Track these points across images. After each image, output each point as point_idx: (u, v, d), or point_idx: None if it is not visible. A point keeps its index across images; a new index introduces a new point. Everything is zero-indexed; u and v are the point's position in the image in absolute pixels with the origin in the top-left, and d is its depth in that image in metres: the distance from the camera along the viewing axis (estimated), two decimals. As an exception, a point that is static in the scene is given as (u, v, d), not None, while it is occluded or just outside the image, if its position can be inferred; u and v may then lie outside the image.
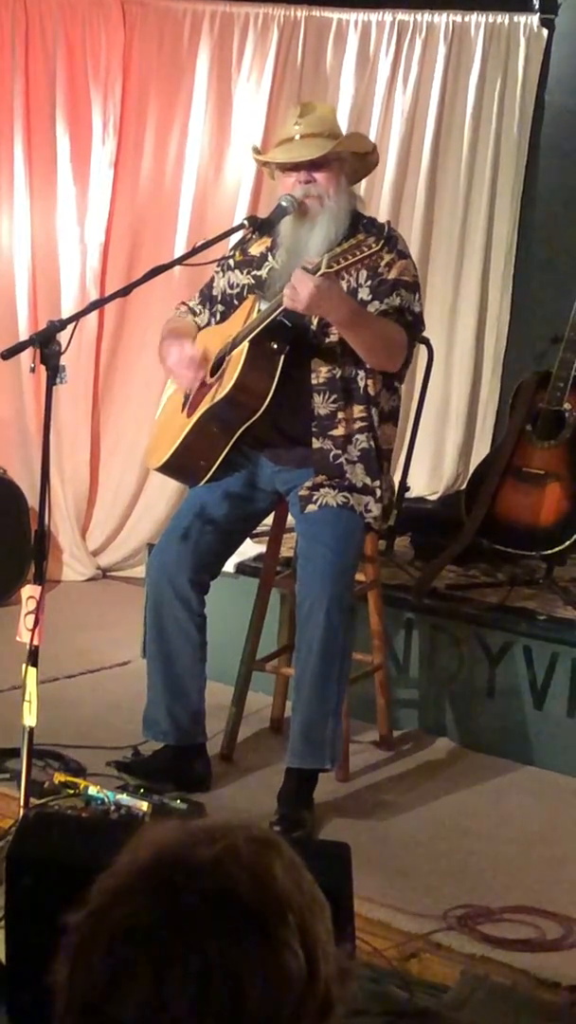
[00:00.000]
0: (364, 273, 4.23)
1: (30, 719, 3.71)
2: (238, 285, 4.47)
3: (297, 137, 4.27)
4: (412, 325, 4.28)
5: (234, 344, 4.29)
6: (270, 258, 4.40)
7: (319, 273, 3.94)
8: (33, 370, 3.79)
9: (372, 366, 4.25)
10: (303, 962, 1.27)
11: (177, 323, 4.59)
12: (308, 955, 1.28)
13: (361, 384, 4.27)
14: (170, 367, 4.43)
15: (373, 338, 4.17)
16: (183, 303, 4.66)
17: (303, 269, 3.99)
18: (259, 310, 4.29)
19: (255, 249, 4.46)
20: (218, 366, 4.35)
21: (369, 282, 4.24)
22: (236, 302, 4.46)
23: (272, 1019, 1.25)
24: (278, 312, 4.12)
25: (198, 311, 4.58)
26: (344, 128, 4.89)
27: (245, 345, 4.21)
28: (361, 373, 4.26)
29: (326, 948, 1.31)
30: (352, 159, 4.35)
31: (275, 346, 4.21)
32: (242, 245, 4.51)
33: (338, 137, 4.30)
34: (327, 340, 4.24)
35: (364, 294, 4.24)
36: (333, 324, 4.15)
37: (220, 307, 4.53)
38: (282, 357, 4.21)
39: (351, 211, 4.30)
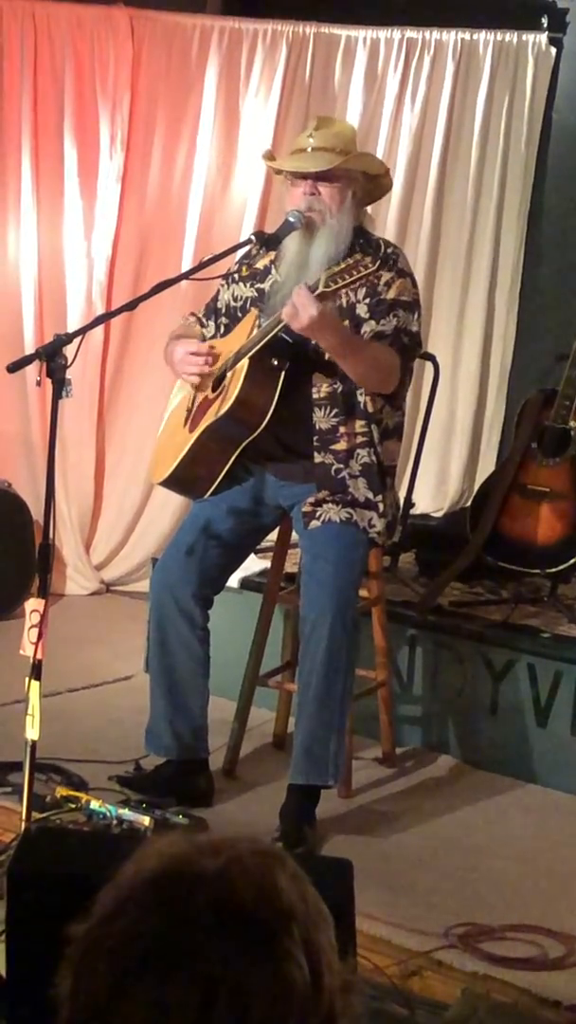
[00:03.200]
0: (363, 291, 4.22)
1: (33, 733, 3.71)
2: (242, 298, 4.48)
3: (309, 149, 4.28)
4: (407, 347, 4.27)
5: (235, 360, 4.29)
6: (273, 271, 4.40)
7: (317, 293, 3.94)
8: (39, 384, 3.81)
9: (364, 389, 4.24)
10: (307, 974, 1.26)
11: (184, 330, 4.60)
12: (312, 967, 1.27)
13: (361, 400, 4.27)
14: (176, 362, 4.44)
15: (365, 366, 4.17)
16: (192, 313, 4.67)
17: (304, 287, 3.98)
18: (259, 325, 4.29)
19: (260, 263, 4.46)
20: (219, 381, 4.35)
21: (367, 300, 4.24)
22: (240, 315, 4.47)
23: None
24: (278, 328, 4.12)
25: (205, 323, 4.60)
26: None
27: (246, 361, 4.21)
28: (360, 389, 4.26)
29: (330, 961, 1.30)
30: (364, 180, 4.34)
31: (275, 362, 4.21)
32: (248, 259, 4.51)
33: (349, 153, 4.30)
34: (327, 355, 4.24)
35: (362, 311, 4.24)
36: (325, 350, 4.13)
37: (224, 320, 4.54)
38: (282, 373, 4.21)
39: (353, 230, 4.29)
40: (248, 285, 4.48)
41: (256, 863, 1.30)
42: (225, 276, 4.55)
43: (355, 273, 3.98)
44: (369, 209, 4.49)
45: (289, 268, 4.30)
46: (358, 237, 4.32)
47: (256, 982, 1.24)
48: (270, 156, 4.50)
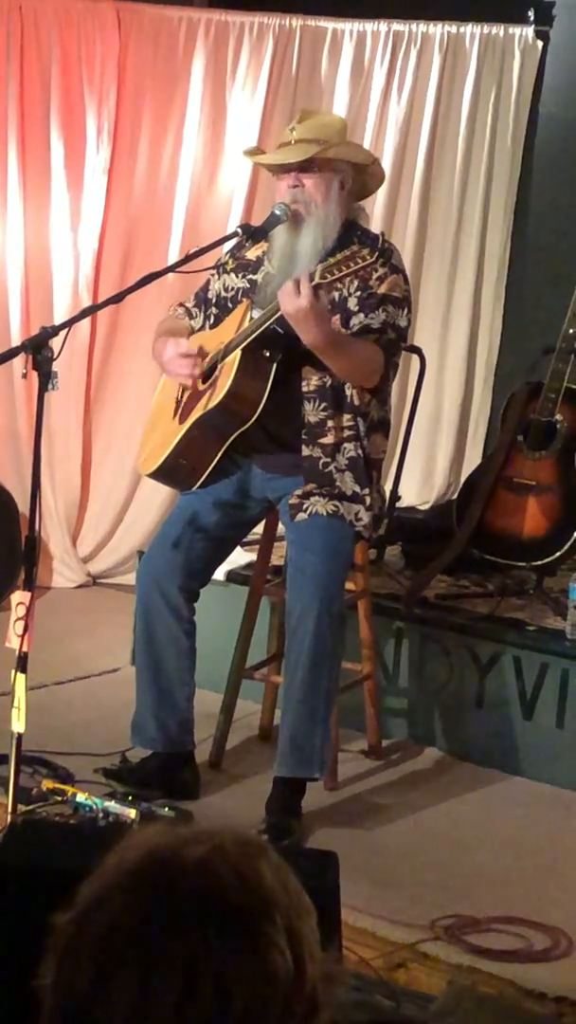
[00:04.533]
0: (355, 284, 4.22)
1: (19, 725, 3.71)
2: (233, 289, 4.47)
3: (292, 142, 4.27)
4: (392, 343, 4.26)
5: (227, 351, 4.28)
6: (266, 263, 4.40)
7: (313, 283, 3.93)
8: (25, 376, 3.80)
9: (347, 383, 4.24)
10: (290, 962, 1.27)
11: (172, 323, 4.59)
12: (295, 956, 1.28)
13: (348, 393, 4.27)
14: (166, 361, 4.43)
15: (349, 363, 4.16)
16: (180, 304, 4.66)
17: (306, 274, 3.96)
18: (251, 317, 4.29)
19: (251, 254, 4.45)
20: (210, 373, 4.35)
21: (359, 293, 4.24)
22: (231, 306, 4.46)
23: (259, 1019, 1.25)
24: (273, 319, 4.12)
25: (194, 313, 4.59)
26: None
27: (238, 353, 4.21)
28: (349, 383, 4.26)
29: (313, 950, 1.31)
30: (351, 171, 4.33)
31: (268, 354, 4.21)
32: (237, 250, 4.50)
33: (331, 142, 4.28)
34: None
35: (352, 304, 4.23)
36: (307, 344, 4.10)
37: (214, 310, 4.53)
38: (274, 365, 4.20)
39: (342, 221, 4.28)
40: (239, 276, 4.47)
41: (239, 853, 1.31)
42: (215, 267, 4.54)
43: (352, 265, 3.97)
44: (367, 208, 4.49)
45: (279, 260, 4.30)
46: (355, 230, 4.32)
47: (238, 970, 1.24)
48: (253, 152, 4.48)
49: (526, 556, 5.20)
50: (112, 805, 4.00)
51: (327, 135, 4.27)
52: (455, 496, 5.74)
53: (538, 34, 6.25)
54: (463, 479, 5.79)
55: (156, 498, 6.55)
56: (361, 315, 4.23)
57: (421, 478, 6.61)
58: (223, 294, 4.51)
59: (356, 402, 4.27)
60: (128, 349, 6.64)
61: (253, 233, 4.29)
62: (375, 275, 4.23)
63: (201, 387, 4.36)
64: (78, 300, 6.50)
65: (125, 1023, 1.23)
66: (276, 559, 4.79)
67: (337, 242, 4.21)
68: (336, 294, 4.19)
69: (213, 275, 4.56)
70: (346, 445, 4.28)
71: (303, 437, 4.29)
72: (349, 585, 4.45)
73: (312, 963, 1.29)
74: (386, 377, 4.31)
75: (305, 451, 4.29)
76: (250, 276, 4.44)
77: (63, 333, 3.78)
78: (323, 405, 4.26)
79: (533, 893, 3.93)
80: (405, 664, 5.03)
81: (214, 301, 4.54)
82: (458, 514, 5.34)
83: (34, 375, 3.73)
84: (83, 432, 6.74)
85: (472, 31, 6.34)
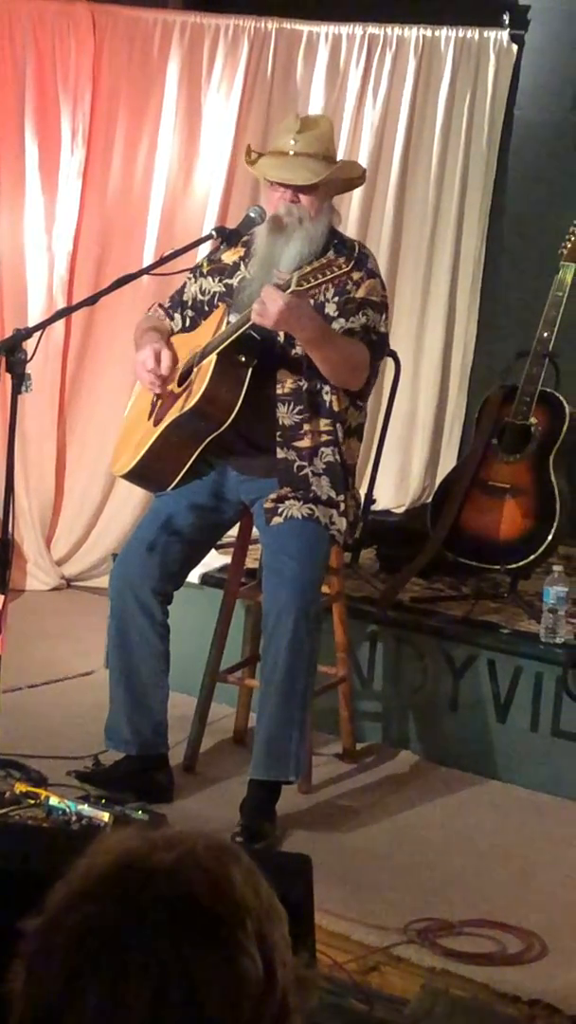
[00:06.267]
0: (332, 290, 4.22)
1: (-9, 728, 3.70)
2: (209, 292, 4.47)
3: (291, 153, 4.25)
4: (376, 345, 4.28)
5: (202, 355, 4.28)
6: (242, 267, 4.40)
7: (288, 291, 3.94)
8: (-2, 378, 3.79)
9: (334, 384, 4.24)
10: (260, 968, 1.26)
11: (155, 322, 4.58)
12: (266, 961, 1.27)
13: (327, 398, 4.27)
14: (136, 364, 4.41)
15: (337, 357, 4.17)
16: (159, 305, 4.65)
17: (274, 286, 3.98)
18: (228, 322, 4.29)
19: (228, 257, 4.45)
20: (186, 376, 4.34)
21: (336, 298, 4.25)
22: (207, 309, 4.45)
23: None
24: (247, 326, 4.11)
25: (171, 315, 4.58)
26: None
27: (213, 357, 4.20)
28: (327, 387, 4.26)
29: (284, 956, 1.30)
30: (343, 184, 4.38)
31: (243, 359, 4.21)
32: (213, 253, 4.50)
33: (331, 158, 4.29)
34: (293, 351, 4.24)
35: (330, 310, 4.24)
36: (299, 341, 4.14)
37: (190, 313, 4.53)
38: (250, 370, 4.20)
39: (328, 231, 4.29)
40: (216, 280, 4.47)
41: (210, 858, 1.30)
42: (192, 270, 4.54)
43: (328, 273, 3.98)
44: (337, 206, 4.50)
45: (259, 265, 4.30)
46: (332, 237, 4.32)
47: (209, 976, 1.24)
48: (250, 155, 4.43)
49: (501, 559, 5.20)
50: (85, 808, 3.99)
51: (325, 147, 4.28)
52: (430, 499, 5.74)
53: (513, 38, 6.25)
54: (438, 482, 5.79)
55: (131, 501, 6.54)
56: (341, 320, 4.23)
57: (396, 481, 6.60)
58: (199, 297, 4.50)
59: (335, 407, 4.27)
60: (103, 351, 6.63)
61: (228, 236, 4.29)
62: (352, 280, 4.24)
63: (177, 390, 4.36)
64: (52, 302, 6.48)
65: None
66: (251, 562, 4.78)
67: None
68: (312, 299, 4.19)
69: (190, 278, 4.55)
70: (323, 450, 4.28)
71: (277, 439, 4.29)
72: (324, 588, 4.45)
73: (283, 969, 1.29)
74: (368, 381, 4.32)
75: (279, 453, 4.29)
76: (226, 280, 4.44)
77: (37, 335, 3.78)
78: (298, 408, 4.26)
79: (507, 896, 3.93)
80: (380, 667, 5.03)
81: (190, 304, 4.53)
82: (433, 517, 5.34)
83: (7, 377, 3.73)
84: (57, 434, 6.72)
85: (447, 34, 6.34)
